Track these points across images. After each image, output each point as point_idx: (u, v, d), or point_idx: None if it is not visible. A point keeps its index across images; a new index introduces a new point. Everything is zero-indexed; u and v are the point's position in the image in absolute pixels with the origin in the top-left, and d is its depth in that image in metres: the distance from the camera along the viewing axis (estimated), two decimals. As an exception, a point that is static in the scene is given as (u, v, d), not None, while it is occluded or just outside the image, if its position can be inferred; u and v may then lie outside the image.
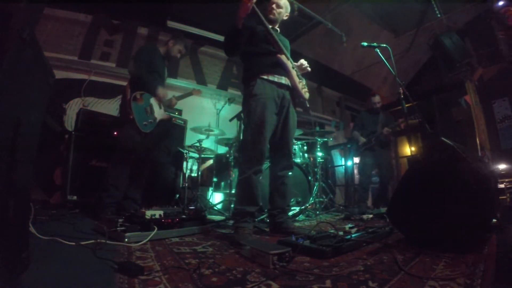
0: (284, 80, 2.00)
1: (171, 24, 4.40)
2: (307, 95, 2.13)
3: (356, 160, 6.26)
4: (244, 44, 1.99)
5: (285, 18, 2.19)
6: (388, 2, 4.35)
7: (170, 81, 4.54)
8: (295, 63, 2.08)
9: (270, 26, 2.08)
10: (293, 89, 2.05)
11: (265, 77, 1.93)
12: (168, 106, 2.80)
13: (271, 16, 2.10)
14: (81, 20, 4.03)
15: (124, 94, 2.46)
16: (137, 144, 2.41)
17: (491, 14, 4.21)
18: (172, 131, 3.64)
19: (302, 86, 2.08)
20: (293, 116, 2.08)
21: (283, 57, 1.95)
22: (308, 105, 2.23)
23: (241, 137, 1.97)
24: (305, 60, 2.13)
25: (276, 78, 1.96)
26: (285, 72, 1.98)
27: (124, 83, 2.58)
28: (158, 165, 3.32)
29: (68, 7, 3.87)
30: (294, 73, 2.01)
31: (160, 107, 2.61)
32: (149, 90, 2.46)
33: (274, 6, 2.10)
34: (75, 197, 2.84)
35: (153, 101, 2.52)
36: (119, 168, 2.37)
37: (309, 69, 2.13)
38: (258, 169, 1.87)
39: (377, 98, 3.95)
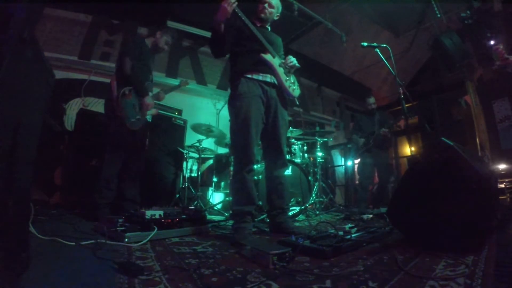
0: (269, 78, 1.96)
1: (171, 24, 4.40)
2: (296, 93, 2.09)
3: (357, 161, 6.28)
4: (230, 43, 1.96)
5: (276, 18, 2.16)
6: (388, 2, 4.36)
7: (170, 81, 4.55)
8: (282, 60, 2.03)
9: (259, 25, 2.08)
10: (279, 87, 2.01)
11: (249, 75, 1.91)
12: (156, 99, 2.74)
13: (262, 15, 2.07)
14: (81, 20, 4.03)
15: (110, 90, 2.39)
16: (125, 142, 2.38)
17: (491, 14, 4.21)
18: (171, 130, 3.65)
19: (289, 83, 2.03)
20: (283, 114, 2.04)
21: (267, 56, 1.92)
22: (298, 103, 2.20)
23: (230, 138, 1.96)
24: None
25: (260, 76, 1.93)
26: (270, 70, 1.95)
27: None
28: (153, 163, 3.31)
29: (68, 7, 3.87)
30: (280, 70, 1.97)
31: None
32: (138, 89, 2.42)
33: (266, 5, 2.07)
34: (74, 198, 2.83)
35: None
36: (109, 168, 2.34)
37: (297, 65, 2.05)
38: (249, 168, 1.87)
39: (372, 100, 3.96)
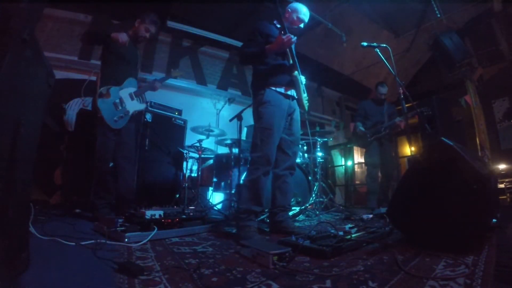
0: (290, 92, 2.08)
1: (171, 24, 4.40)
2: (307, 107, 2.23)
3: (357, 158, 6.26)
4: None
5: None
6: (388, 2, 4.35)
7: (170, 81, 4.53)
8: (303, 77, 2.15)
9: None
10: (298, 101, 2.14)
11: (273, 88, 2.00)
12: (151, 90, 2.66)
13: (295, 26, 2.11)
14: (81, 20, 4.03)
15: (95, 89, 2.36)
16: (112, 141, 2.35)
17: (491, 14, 4.22)
18: (171, 130, 3.66)
19: (306, 100, 2.18)
20: (297, 120, 2.17)
21: (297, 74, 2.02)
22: (306, 116, 2.36)
23: (252, 141, 2.05)
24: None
25: (283, 90, 2.04)
26: (294, 86, 2.06)
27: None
28: (153, 163, 3.30)
29: (68, 7, 3.87)
30: (302, 87, 2.10)
31: (133, 99, 2.48)
32: (116, 77, 2.39)
33: (301, 23, 2.12)
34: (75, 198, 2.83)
35: (123, 93, 2.42)
36: (101, 168, 2.33)
37: None
38: (267, 171, 1.92)
39: (384, 89, 3.83)
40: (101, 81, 2.36)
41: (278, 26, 2.07)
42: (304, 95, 2.16)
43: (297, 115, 2.16)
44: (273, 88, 2.00)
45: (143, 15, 2.59)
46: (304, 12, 2.13)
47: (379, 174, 3.87)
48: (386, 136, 3.69)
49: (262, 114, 1.95)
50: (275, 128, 1.95)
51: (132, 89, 2.50)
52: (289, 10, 2.15)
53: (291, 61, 2.00)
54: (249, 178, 1.90)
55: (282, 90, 2.02)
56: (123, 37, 2.28)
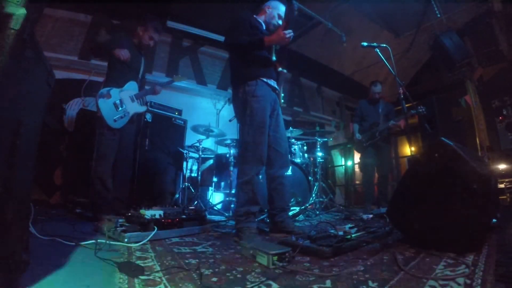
0: (275, 84, 2.09)
1: (171, 24, 4.40)
2: (282, 103, 2.25)
3: (357, 158, 6.26)
4: None
5: None
6: (388, 2, 4.35)
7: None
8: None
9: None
10: (278, 93, 2.16)
11: (264, 79, 1.98)
12: (152, 94, 2.69)
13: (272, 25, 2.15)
14: (81, 20, 4.03)
15: (97, 90, 2.45)
16: (110, 142, 2.39)
17: (491, 14, 4.22)
18: (171, 130, 3.66)
19: (282, 99, 2.21)
20: (281, 116, 2.18)
21: (281, 69, 2.07)
22: None
23: (241, 138, 1.97)
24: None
25: (271, 82, 2.04)
26: (278, 82, 2.09)
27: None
28: (153, 163, 3.30)
29: (68, 7, 3.87)
30: (282, 86, 2.14)
31: (133, 101, 2.54)
32: (119, 80, 2.46)
33: (280, 20, 2.15)
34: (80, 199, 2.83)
35: (124, 95, 2.48)
36: (99, 167, 2.35)
37: None
38: (259, 170, 1.90)
39: (378, 88, 3.87)
40: (105, 84, 2.45)
41: (259, 20, 2.13)
42: (281, 95, 2.18)
43: (280, 110, 2.15)
44: (264, 80, 1.97)
45: (145, 22, 2.61)
46: (283, 10, 2.17)
47: (376, 175, 3.90)
48: (382, 138, 3.72)
49: (254, 110, 1.89)
50: (267, 125, 1.93)
51: (133, 92, 2.56)
52: (271, 6, 2.16)
53: (274, 58, 2.01)
54: (243, 180, 1.85)
55: (272, 82, 2.02)
56: (124, 54, 2.37)
